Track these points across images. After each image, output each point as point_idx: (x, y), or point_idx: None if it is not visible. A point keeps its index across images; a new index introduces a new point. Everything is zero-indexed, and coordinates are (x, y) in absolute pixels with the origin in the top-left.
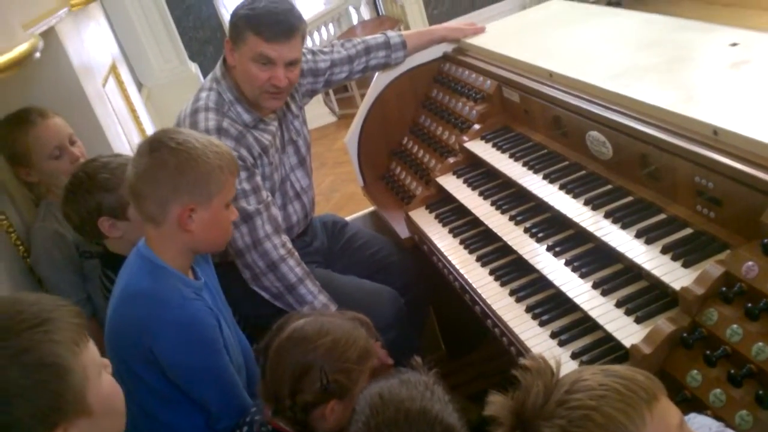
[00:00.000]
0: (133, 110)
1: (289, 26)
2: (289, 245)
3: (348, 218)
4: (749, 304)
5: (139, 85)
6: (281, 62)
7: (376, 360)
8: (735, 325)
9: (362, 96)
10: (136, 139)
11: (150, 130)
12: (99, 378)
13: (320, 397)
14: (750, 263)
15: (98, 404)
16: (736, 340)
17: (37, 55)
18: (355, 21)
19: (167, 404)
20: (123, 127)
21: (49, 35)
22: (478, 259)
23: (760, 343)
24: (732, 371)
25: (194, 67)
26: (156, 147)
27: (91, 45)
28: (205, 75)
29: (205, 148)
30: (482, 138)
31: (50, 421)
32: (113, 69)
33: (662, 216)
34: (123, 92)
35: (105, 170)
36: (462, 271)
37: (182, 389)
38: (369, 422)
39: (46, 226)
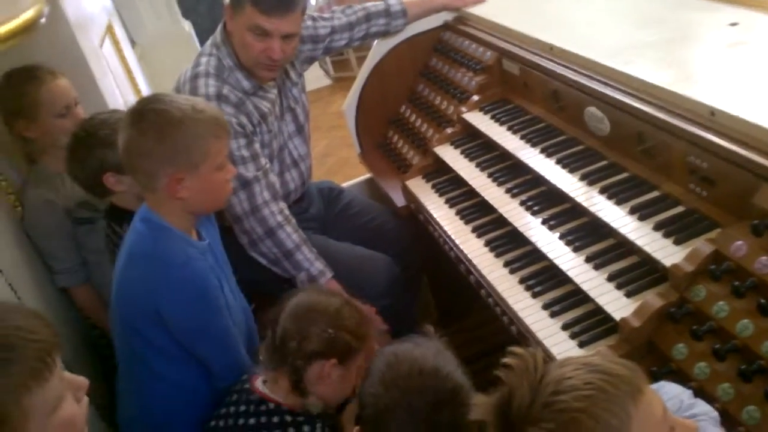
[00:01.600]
0: (128, 70)
1: (289, 1)
2: (287, 212)
3: (344, 185)
4: (736, 282)
5: (132, 43)
6: (277, 35)
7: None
8: (722, 302)
9: (358, 59)
10: (132, 100)
11: (145, 90)
12: (49, 417)
13: (324, 348)
14: (739, 242)
15: None
16: (722, 317)
17: (43, 20)
18: None
19: (172, 362)
20: (119, 88)
21: None
22: (473, 230)
23: (745, 320)
24: (717, 346)
25: (187, 26)
26: (137, 119)
27: (88, 4)
28: (198, 33)
29: (185, 116)
30: (481, 109)
31: None
32: (109, 29)
33: (656, 193)
34: (119, 52)
35: (105, 126)
36: (457, 242)
37: (186, 348)
38: (384, 376)
39: (37, 193)
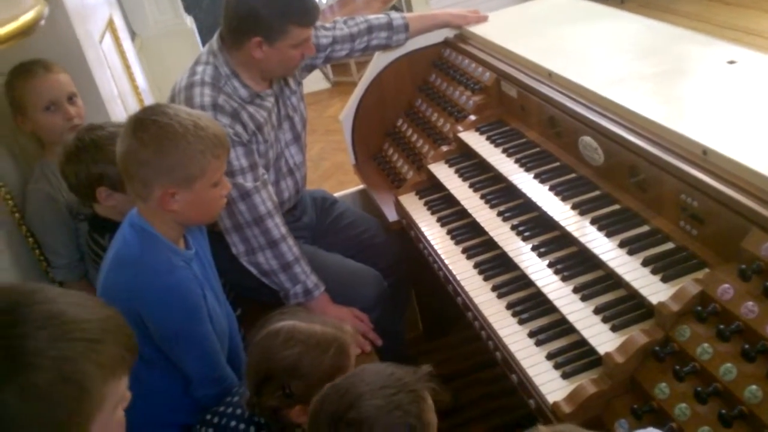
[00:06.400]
0: (127, 66)
1: (317, 4)
2: (286, 226)
3: (337, 194)
4: (721, 326)
5: (133, 35)
6: (313, 34)
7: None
8: (706, 344)
9: (358, 64)
10: (131, 100)
11: (143, 86)
12: (112, 413)
13: (283, 403)
14: (726, 286)
15: None
16: (705, 359)
17: (42, 22)
18: None
19: (150, 367)
20: (116, 82)
21: None
22: (463, 251)
23: (728, 364)
24: (699, 388)
25: (189, 21)
26: (139, 127)
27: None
28: (200, 29)
29: (187, 132)
30: (477, 129)
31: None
32: (110, 24)
33: (646, 228)
34: (119, 48)
35: (113, 142)
36: (447, 262)
37: (166, 354)
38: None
39: (38, 188)
